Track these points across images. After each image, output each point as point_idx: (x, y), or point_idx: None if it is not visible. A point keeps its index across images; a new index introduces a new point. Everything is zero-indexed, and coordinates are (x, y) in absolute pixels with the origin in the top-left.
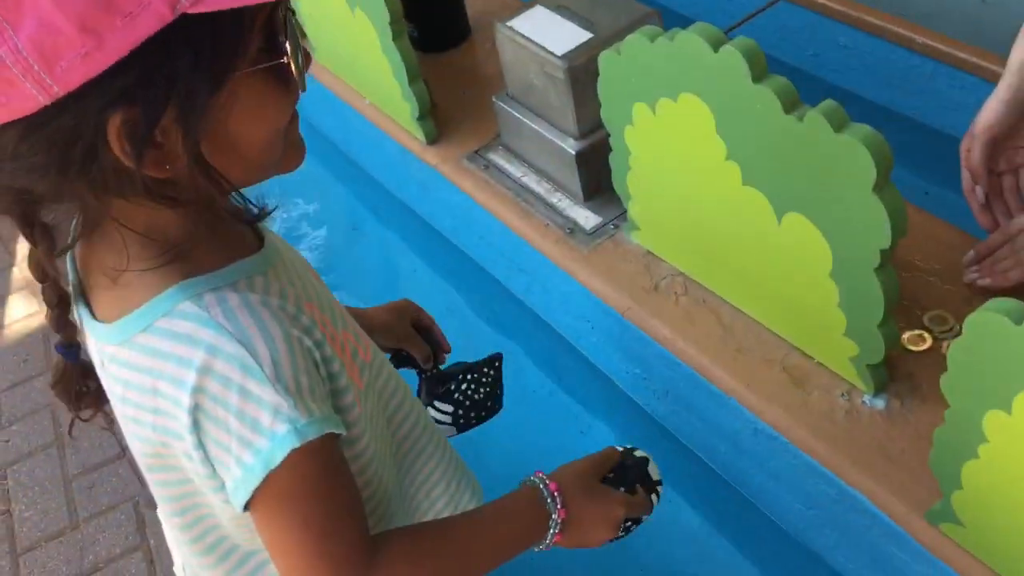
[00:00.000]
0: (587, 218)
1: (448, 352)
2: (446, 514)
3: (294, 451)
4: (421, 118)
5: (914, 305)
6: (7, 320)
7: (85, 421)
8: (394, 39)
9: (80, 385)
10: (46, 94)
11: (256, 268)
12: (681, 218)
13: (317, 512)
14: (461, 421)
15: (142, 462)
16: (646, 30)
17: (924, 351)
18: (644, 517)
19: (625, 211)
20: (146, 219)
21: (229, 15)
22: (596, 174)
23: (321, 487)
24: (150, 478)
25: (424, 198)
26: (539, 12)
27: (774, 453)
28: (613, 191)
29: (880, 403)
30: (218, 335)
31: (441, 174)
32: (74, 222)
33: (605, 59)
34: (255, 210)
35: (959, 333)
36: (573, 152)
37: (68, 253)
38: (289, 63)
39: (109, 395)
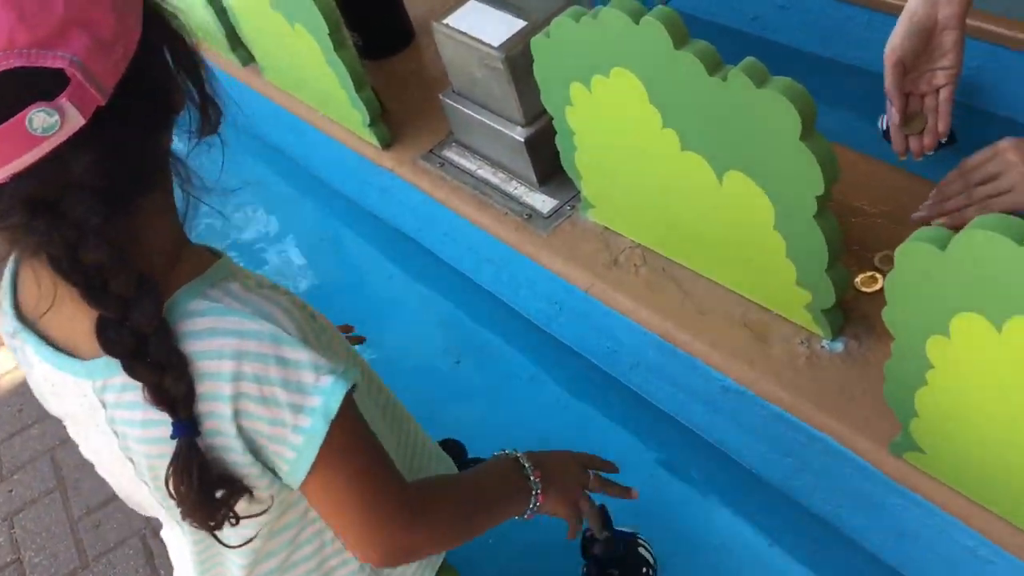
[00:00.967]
0: (543, 202)
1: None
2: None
3: (347, 396)
4: (373, 124)
5: (864, 249)
6: None
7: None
8: (336, 49)
9: (207, 471)
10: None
11: (228, 268)
12: (631, 191)
13: (370, 457)
14: None
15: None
16: (571, 11)
17: (877, 291)
18: None
19: (579, 191)
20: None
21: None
22: (547, 159)
23: (367, 434)
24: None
25: (386, 202)
26: (473, 6)
27: (744, 407)
28: (565, 174)
29: (839, 346)
30: (240, 319)
31: (399, 176)
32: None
33: (536, 44)
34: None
35: None
36: (522, 139)
37: (7, 300)
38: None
39: (119, 433)
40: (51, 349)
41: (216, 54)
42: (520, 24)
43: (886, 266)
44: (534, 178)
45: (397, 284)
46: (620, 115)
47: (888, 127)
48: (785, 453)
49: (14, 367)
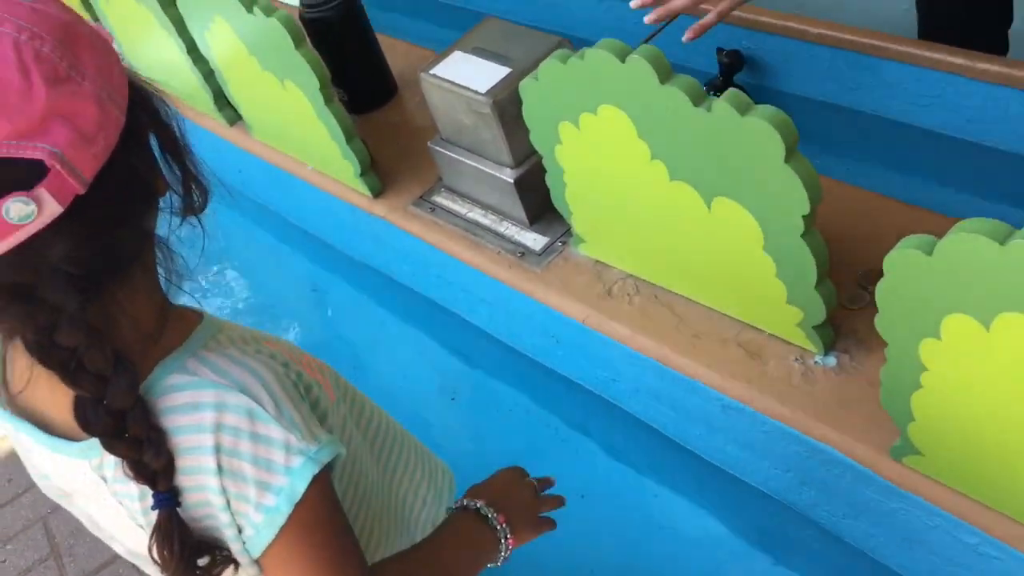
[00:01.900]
0: (535, 240)
1: None
2: (431, 502)
3: (315, 479)
4: (363, 174)
5: (846, 268)
6: None
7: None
8: (326, 103)
9: (188, 539)
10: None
11: (212, 330)
12: (621, 223)
13: (332, 540)
14: None
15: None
16: (558, 54)
17: (863, 307)
18: None
19: (569, 227)
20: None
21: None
22: (536, 198)
23: (333, 511)
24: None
25: (379, 250)
26: (458, 56)
27: (744, 425)
28: (555, 211)
29: (831, 360)
30: (218, 391)
31: (392, 223)
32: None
33: (525, 87)
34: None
35: None
36: (511, 180)
37: None
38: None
39: (115, 511)
40: (44, 433)
41: (203, 115)
42: (505, 71)
43: (868, 282)
44: (525, 217)
45: (390, 330)
46: (609, 150)
47: None
48: (787, 467)
49: (1, 437)
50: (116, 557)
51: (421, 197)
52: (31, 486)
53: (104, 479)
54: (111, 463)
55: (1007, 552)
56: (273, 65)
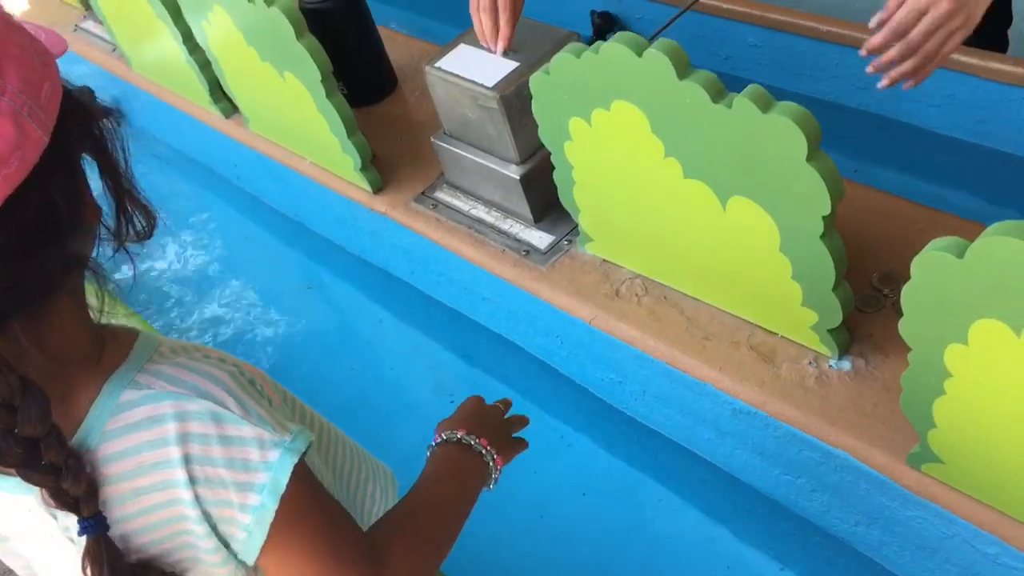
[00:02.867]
0: (540, 238)
1: None
2: (379, 499)
3: (295, 468)
4: (364, 168)
5: (861, 270)
6: None
7: None
8: (328, 96)
9: (120, 558)
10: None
11: (152, 343)
12: (631, 222)
13: (324, 522)
14: None
15: None
16: (571, 47)
17: (879, 311)
18: None
19: (576, 226)
20: (56, 336)
21: None
22: (542, 195)
23: (319, 495)
24: None
25: (378, 246)
26: (464, 50)
27: (755, 429)
28: (561, 209)
29: (846, 364)
30: (176, 401)
31: (392, 219)
32: None
33: (536, 81)
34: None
35: None
36: (517, 177)
37: None
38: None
39: (62, 547)
40: None
41: (198, 107)
42: (512, 65)
43: (884, 285)
44: (530, 215)
45: (387, 327)
46: (621, 147)
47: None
48: (799, 473)
49: None
50: None
51: (423, 193)
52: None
53: (54, 515)
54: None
55: None
56: (273, 56)
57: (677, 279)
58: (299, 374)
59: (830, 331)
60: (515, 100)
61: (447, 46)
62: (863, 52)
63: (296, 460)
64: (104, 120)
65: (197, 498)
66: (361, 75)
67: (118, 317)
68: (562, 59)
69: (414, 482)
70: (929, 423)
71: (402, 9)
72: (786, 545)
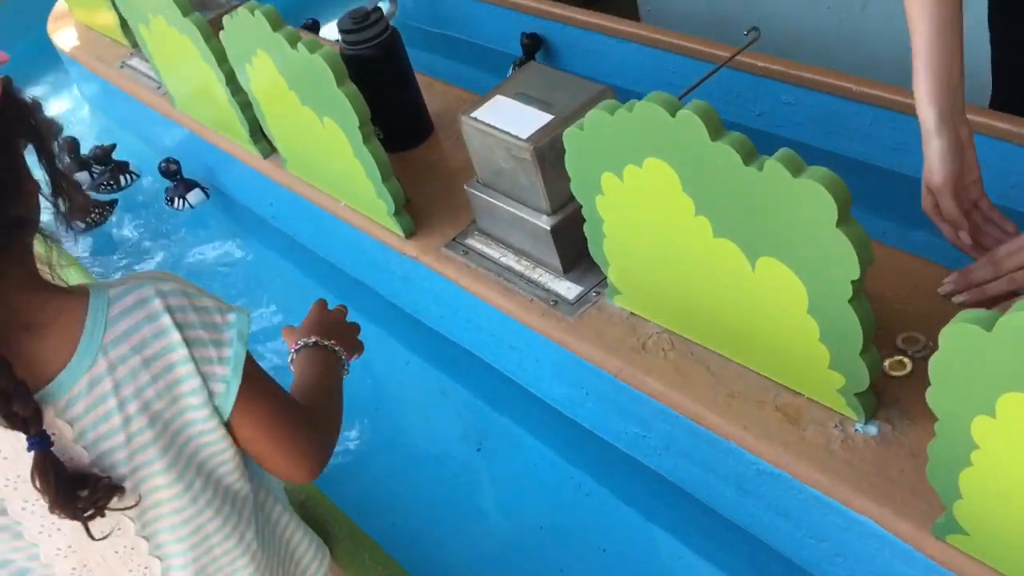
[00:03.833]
0: (569, 288)
1: None
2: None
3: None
4: (397, 213)
5: (887, 330)
6: None
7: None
8: (364, 142)
9: (63, 470)
10: None
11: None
12: (660, 277)
13: (271, 383)
14: None
15: (165, 471)
16: (604, 104)
17: (906, 375)
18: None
19: (605, 278)
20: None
21: None
22: (572, 246)
23: (258, 367)
24: (176, 483)
25: (408, 290)
26: (500, 100)
27: (779, 491)
28: (591, 260)
29: (873, 429)
30: (153, 284)
31: (423, 264)
32: None
33: (569, 136)
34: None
35: (933, 350)
36: (548, 228)
37: None
38: None
39: (84, 439)
40: None
41: (238, 146)
42: (547, 118)
43: (910, 347)
44: (559, 265)
45: (414, 370)
46: (652, 203)
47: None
48: (821, 537)
49: None
50: None
51: (454, 239)
52: None
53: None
54: (73, 399)
55: None
56: (313, 101)
57: (704, 335)
58: None
59: (857, 395)
60: (548, 152)
61: (484, 96)
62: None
63: (246, 320)
64: (41, 117)
65: (192, 357)
66: (398, 120)
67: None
68: (596, 116)
69: (293, 382)
70: (955, 494)
71: (443, 57)
72: None
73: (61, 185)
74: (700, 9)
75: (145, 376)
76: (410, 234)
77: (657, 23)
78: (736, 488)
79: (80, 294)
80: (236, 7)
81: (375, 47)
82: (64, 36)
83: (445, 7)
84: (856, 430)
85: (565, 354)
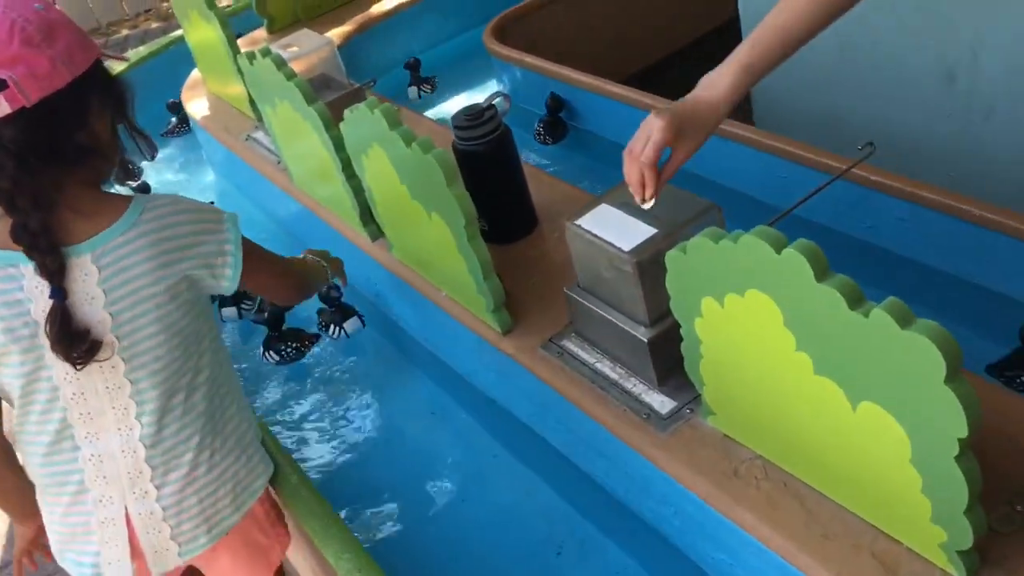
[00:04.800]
0: (663, 403)
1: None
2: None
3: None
4: (496, 310)
5: (997, 482)
6: None
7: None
8: (469, 240)
9: (69, 323)
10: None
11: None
12: (756, 404)
13: (264, 253)
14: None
15: (158, 321)
16: (709, 232)
17: (1014, 531)
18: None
19: (699, 395)
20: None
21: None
22: (668, 359)
23: (254, 244)
24: (157, 349)
25: (502, 384)
26: (604, 209)
27: None
28: (686, 375)
29: None
30: (174, 195)
31: (518, 363)
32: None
33: (672, 258)
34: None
35: None
36: (645, 340)
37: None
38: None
39: (119, 280)
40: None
41: (348, 227)
42: (651, 231)
43: (1020, 502)
44: (654, 378)
45: (502, 463)
46: (751, 333)
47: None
48: None
49: None
50: None
51: (550, 339)
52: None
53: (96, 259)
54: (109, 249)
55: None
56: (423, 197)
57: (800, 468)
58: (408, 492)
59: (959, 552)
60: (650, 266)
61: (589, 203)
62: None
63: (236, 218)
64: (123, 86)
65: (203, 242)
66: (503, 215)
67: None
68: (699, 243)
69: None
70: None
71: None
72: None
73: (133, 132)
74: (815, 108)
75: (165, 246)
76: (507, 331)
77: (770, 120)
78: None
79: (128, 197)
80: (358, 89)
81: (486, 144)
82: (196, 105)
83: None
84: None
85: (654, 470)
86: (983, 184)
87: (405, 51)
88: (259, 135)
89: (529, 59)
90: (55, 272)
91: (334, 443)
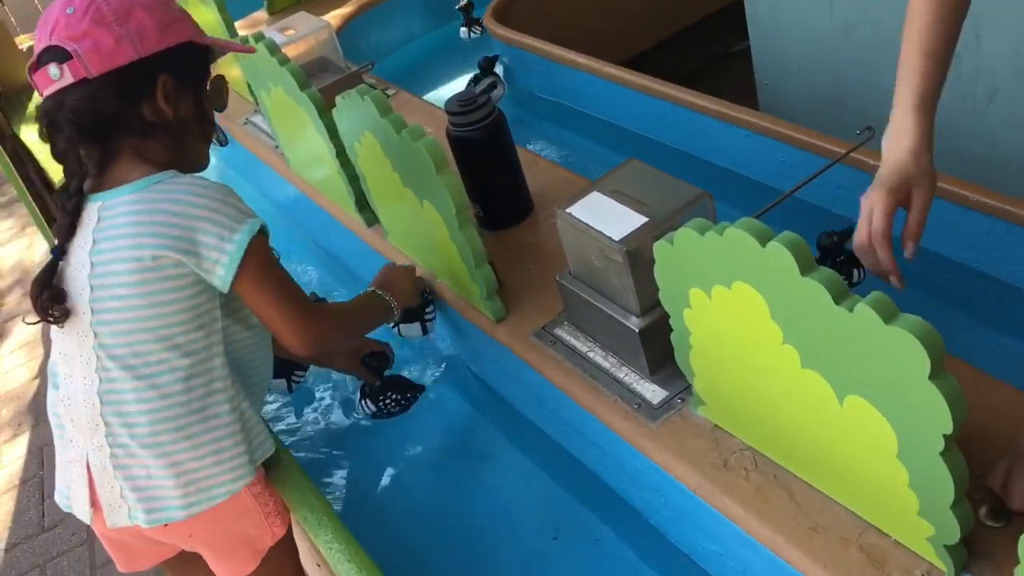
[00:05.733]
0: (654, 392)
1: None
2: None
3: (261, 230)
4: (488, 298)
5: (983, 475)
6: None
7: (56, 319)
8: (460, 228)
9: (51, 282)
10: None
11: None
12: (745, 396)
13: (282, 277)
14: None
15: (142, 296)
16: (695, 223)
17: (1004, 524)
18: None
19: (690, 385)
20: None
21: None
22: (660, 349)
23: (276, 264)
24: (135, 324)
25: (499, 373)
26: (596, 197)
27: None
28: (676, 365)
29: None
30: (194, 175)
31: (511, 351)
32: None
33: (659, 249)
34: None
35: None
36: (636, 329)
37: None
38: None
39: (108, 234)
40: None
41: (343, 212)
42: (641, 220)
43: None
44: (646, 367)
45: (501, 451)
46: (739, 324)
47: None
48: None
49: None
50: None
51: (543, 327)
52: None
53: (107, 204)
54: (121, 201)
55: None
56: (414, 184)
57: (789, 460)
58: (410, 480)
59: (947, 547)
60: (640, 255)
61: (581, 191)
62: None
63: (260, 225)
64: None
65: (209, 231)
66: (498, 201)
67: None
68: (686, 234)
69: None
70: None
71: (548, 122)
72: None
73: (202, 117)
74: (819, 91)
75: (159, 217)
76: (500, 319)
77: (773, 103)
78: None
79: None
80: (355, 72)
81: (480, 130)
82: None
83: (561, 80)
84: None
85: (645, 460)
86: (986, 166)
87: (405, 32)
88: (257, 119)
89: (529, 41)
90: (66, 229)
91: (326, 430)
